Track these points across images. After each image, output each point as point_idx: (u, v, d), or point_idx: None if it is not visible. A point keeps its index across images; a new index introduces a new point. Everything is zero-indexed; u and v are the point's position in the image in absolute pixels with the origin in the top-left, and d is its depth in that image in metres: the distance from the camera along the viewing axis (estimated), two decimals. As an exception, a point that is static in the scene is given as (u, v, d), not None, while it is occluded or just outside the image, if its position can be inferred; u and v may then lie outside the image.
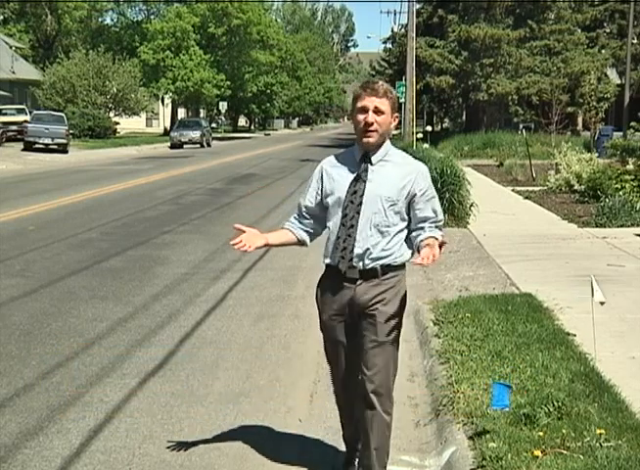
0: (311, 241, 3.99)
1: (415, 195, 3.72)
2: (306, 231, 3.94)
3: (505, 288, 8.02)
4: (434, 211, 3.78)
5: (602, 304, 5.36)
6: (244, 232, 3.79)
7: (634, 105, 34.60)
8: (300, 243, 3.97)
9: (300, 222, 3.94)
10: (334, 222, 3.77)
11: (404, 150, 4.06)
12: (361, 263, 3.70)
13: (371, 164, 3.73)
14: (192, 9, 61.80)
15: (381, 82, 3.74)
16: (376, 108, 3.63)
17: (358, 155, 3.77)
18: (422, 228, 3.75)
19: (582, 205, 15.41)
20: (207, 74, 60.06)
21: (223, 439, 4.69)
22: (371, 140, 3.67)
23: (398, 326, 3.80)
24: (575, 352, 5.56)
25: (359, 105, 3.67)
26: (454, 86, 41.51)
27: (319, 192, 3.86)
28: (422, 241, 3.69)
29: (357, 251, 3.68)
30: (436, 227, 3.76)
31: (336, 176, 3.80)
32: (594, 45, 42.58)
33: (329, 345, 3.95)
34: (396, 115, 3.74)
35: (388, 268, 3.73)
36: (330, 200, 3.79)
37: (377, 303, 3.72)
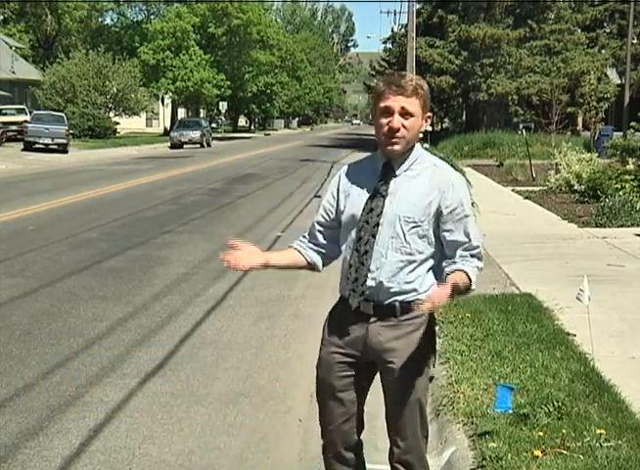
0: (325, 265, 3.26)
1: (442, 213, 2.99)
2: (319, 252, 3.21)
3: (505, 288, 8.01)
4: (467, 235, 3.03)
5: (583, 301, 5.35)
6: (239, 249, 3.06)
7: (634, 105, 34.58)
8: (311, 266, 3.23)
9: (311, 242, 3.23)
10: (347, 246, 3.10)
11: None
12: (376, 297, 3.03)
13: (394, 176, 3.02)
14: (192, 9, 61.81)
15: (410, 76, 3.00)
16: (403, 109, 2.92)
17: (380, 163, 3.06)
18: (453, 257, 3.04)
19: (582, 205, 15.41)
20: (207, 74, 60.06)
21: (223, 439, 4.70)
22: (396, 148, 2.96)
23: (425, 377, 3.11)
24: (575, 352, 5.56)
25: (382, 105, 2.94)
26: (454, 86, 41.54)
27: (334, 205, 3.15)
28: (448, 274, 2.98)
29: (370, 283, 3.01)
30: (472, 256, 3.04)
31: (352, 189, 3.10)
32: (594, 45, 42.61)
33: (320, 388, 3.25)
34: (428, 114, 3.03)
35: (409, 306, 3.00)
36: (344, 218, 3.10)
37: (395, 350, 3.04)
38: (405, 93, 2.92)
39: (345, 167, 3.22)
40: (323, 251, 3.22)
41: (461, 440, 4.29)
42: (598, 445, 3.95)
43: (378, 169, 3.06)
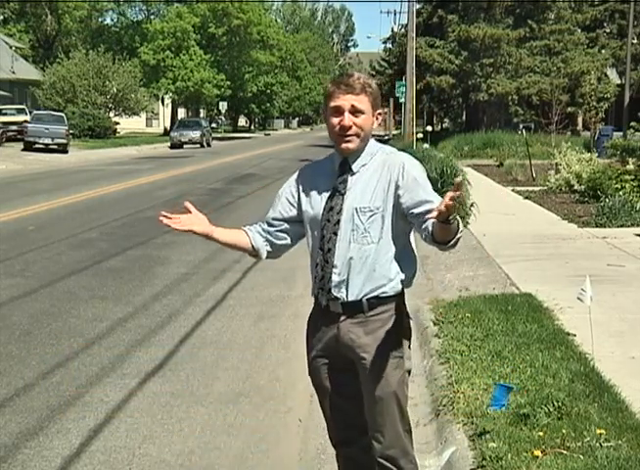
0: (268, 257, 3.27)
1: (399, 195, 2.98)
2: (267, 240, 3.24)
3: (505, 288, 8.01)
4: (430, 201, 2.89)
5: (585, 302, 5.35)
6: (189, 212, 3.11)
7: (634, 105, 34.59)
8: (254, 252, 3.23)
9: (262, 229, 3.25)
10: (312, 246, 3.15)
11: (403, 150, 3.50)
12: (343, 294, 3.06)
13: (352, 173, 3.08)
14: (192, 9, 61.86)
15: (357, 75, 3.06)
16: (353, 107, 2.98)
17: (337, 162, 3.12)
18: (423, 217, 2.87)
19: (582, 205, 15.39)
20: (208, 74, 60.11)
21: (223, 439, 4.70)
22: (350, 146, 3.02)
23: (399, 370, 3.11)
24: (575, 352, 5.55)
25: (332, 105, 3.01)
26: (454, 86, 41.54)
27: (294, 204, 3.19)
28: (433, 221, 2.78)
29: (335, 278, 3.05)
30: None
31: (312, 190, 3.14)
32: (594, 45, 42.60)
33: (317, 392, 3.31)
34: (379, 112, 3.08)
35: (376, 301, 3.06)
36: (306, 218, 3.16)
37: (366, 345, 3.07)
38: (354, 91, 2.99)
39: (306, 166, 3.28)
40: (272, 240, 3.24)
41: (461, 440, 4.29)
42: (598, 445, 3.95)
43: (336, 168, 3.12)
